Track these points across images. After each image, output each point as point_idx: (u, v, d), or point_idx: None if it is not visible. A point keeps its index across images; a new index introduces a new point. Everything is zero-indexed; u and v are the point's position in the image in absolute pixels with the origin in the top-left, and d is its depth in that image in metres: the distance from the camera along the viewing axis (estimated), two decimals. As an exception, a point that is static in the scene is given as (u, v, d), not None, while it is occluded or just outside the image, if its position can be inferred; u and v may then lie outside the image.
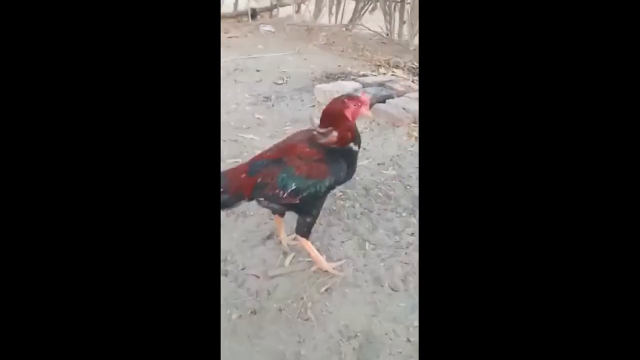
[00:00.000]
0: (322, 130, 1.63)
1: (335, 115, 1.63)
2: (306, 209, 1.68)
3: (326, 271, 1.74)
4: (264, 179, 1.62)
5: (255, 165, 1.66)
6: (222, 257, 1.81)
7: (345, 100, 1.64)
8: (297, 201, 1.63)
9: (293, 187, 1.59)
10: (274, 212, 1.80)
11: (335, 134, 1.60)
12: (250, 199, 1.67)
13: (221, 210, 1.65)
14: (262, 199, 1.67)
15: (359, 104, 1.63)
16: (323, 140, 1.62)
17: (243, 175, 1.64)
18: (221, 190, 1.57)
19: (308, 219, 1.70)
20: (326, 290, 1.67)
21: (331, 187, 1.67)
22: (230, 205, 1.66)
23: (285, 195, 1.60)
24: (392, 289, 1.68)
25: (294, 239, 1.86)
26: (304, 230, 1.71)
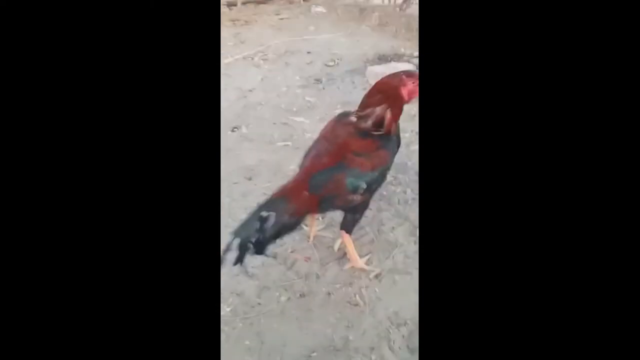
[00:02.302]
0: (362, 113, 1.52)
1: (389, 91, 1.50)
2: (366, 204, 1.60)
3: (361, 269, 1.68)
4: (331, 191, 1.49)
5: (316, 181, 1.49)
6: (271, 240, 1.83)
7: (403, 76, 1.50)
8: (368, 196, 1.55)
9: (364, 187, 1.50)
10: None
11: (387, 115, 1.49)
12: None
13: (288, 234, 1.51)
14: (332, 210, 1.60)
15: (418, 82, 1.49)
16: (365, 125, 1.51)
17: (305, 193, 1.48)
18: (286, 215, 1.43)
19: (358, 216, 1.62)
20: (376, 276, 1.65)
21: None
22: (296, 226, 1.51)
23: (358, 197, 1.52)
24: (444, 278, 1.63)
25: (324, 229, 1.86)
26: (350, 227, 1.64)
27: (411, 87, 1.50)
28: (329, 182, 1.48)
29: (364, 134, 1.52)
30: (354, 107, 1.59)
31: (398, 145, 1.61)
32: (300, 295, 1.58)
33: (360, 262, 1.68)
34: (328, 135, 1.61)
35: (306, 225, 1.85)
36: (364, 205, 1.60)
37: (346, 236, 1.66)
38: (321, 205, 1.53)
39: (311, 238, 1.83)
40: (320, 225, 1.89)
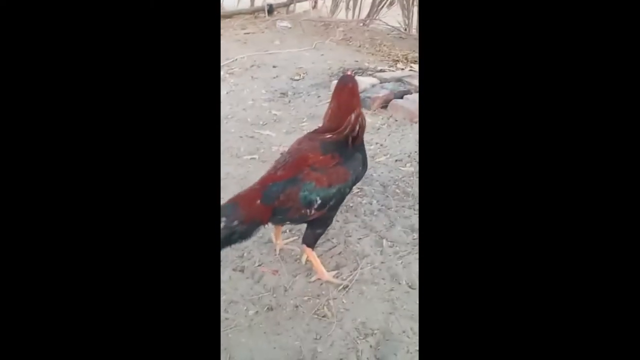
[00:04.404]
0: (341, 129, 1.57)
1: (355, 97, 1.62)
2: (325, 219, 1.61)
3: (327, 281, 1.69)
4: (284, 204, 1.50)
5: (270, 192, 1.51)
6: (238, 254, 1.82)
7: (352, 77, 1.67)
8: (325, 212, 1.56)
9: (319, 202, 1.51)
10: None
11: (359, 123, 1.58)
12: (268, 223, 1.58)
13: (240, 242, 1.52)
14: (288, 222, 1.61)
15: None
16: (341, 135, 1.56)
17: (258, 202, 1.50)
18: (236, 221, 1.45)
19: (319, 231, 1.63)
20: (343, 287, 1.66)
21: (353, 185, 1.62)
22: (248, 235, 1.51)
23: (312, 212, 1.53)
24: (410, 287, 1.66)
25: (291, 242, 1.86)
26: (311, 241, 1.65)
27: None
28: (283, 194, 1.50)
29: (326, 149, 1.54)
30: (319, 120, 1.62)
31: (364, 164, 1.63)
32: (268, 308, 1.57)
33: (327, 275, 1.69)
34: (292, 148, 1.64)
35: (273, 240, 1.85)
36: (324, 221, 1.61)
37: (308, 250, 1.67)
38: (274, 216, 1.53)
39: (277, 251, 1.83)
40: (287, 239, 1.90)
